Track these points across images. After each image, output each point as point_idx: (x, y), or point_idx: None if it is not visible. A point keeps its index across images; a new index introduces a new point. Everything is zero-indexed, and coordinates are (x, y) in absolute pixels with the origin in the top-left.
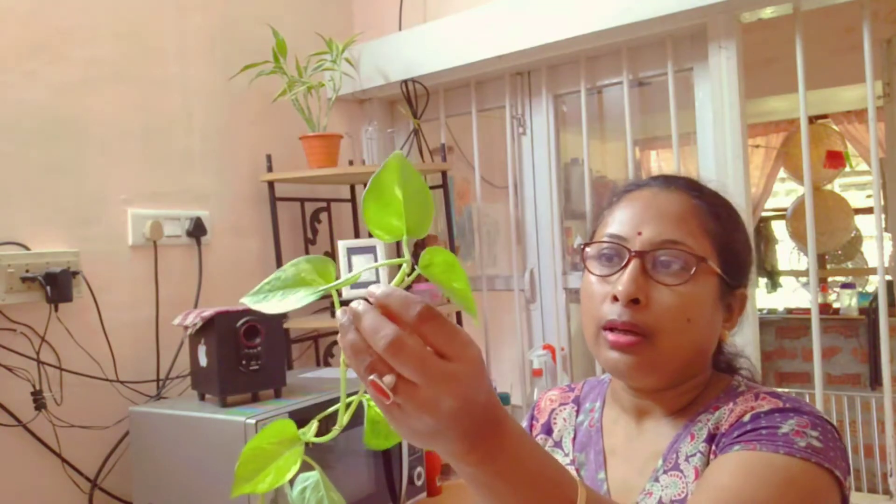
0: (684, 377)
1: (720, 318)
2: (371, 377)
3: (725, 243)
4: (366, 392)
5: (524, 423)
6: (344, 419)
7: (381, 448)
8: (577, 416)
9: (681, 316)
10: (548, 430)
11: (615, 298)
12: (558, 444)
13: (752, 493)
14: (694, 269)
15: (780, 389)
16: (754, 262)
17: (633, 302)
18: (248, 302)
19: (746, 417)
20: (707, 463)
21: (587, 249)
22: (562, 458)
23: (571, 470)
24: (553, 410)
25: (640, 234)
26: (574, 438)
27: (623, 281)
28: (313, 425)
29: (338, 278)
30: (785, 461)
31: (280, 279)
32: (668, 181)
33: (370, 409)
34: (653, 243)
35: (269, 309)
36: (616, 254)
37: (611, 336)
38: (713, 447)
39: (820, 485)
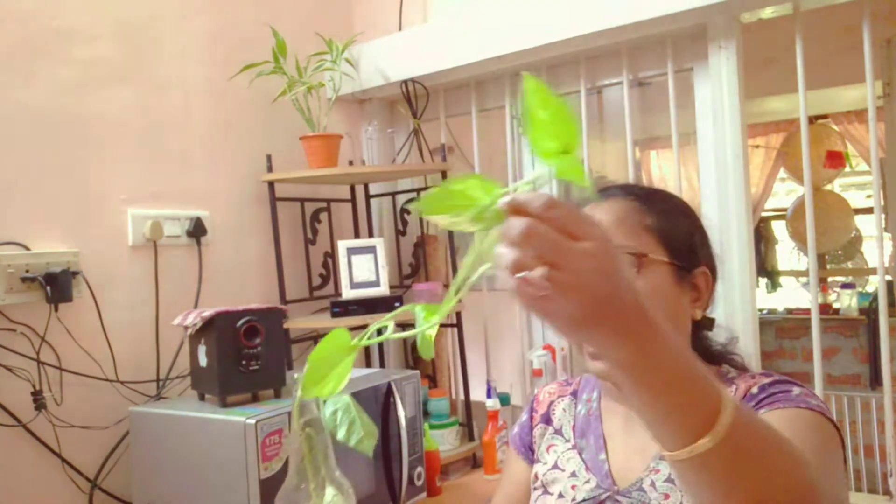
0: None
1: (686, 301)
2: (520, 275)
3: (666, 232)
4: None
5: (524, 416)
6: (452, 302)
7: (427, 357)
8: (575, 406)
9: None
10: (547, 420)
11: None
12: (559, 432)
13: (793, 436)
14: (637, 266)
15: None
16: (709, 240)
17: None
18: (423, 208)
19: (755, 390)
20: None
21: None
22: (563, 444)
23: (574, 455)
24: (552, 402)
25: None
26: (574, 426)
27: None
28: (367, 333)
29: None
30: (807, 413)
31: (448, 191)
32: (604, 193)
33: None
34: None
35: (441, 223)
36: None
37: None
38: None
39: (835, 435)
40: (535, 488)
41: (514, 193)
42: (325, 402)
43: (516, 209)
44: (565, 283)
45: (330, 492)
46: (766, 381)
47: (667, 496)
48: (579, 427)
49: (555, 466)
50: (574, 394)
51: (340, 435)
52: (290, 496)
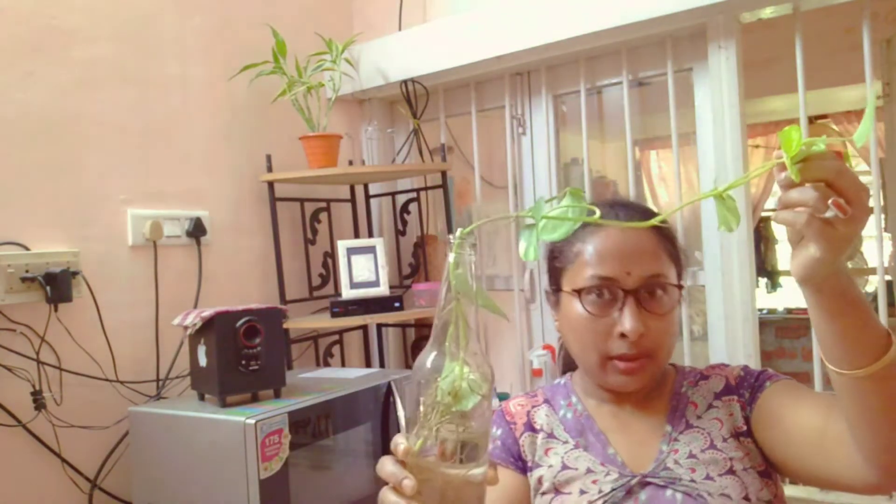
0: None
1: None
2: (830, 200)
3: (679, 261)
4: None
5: (498, 430)
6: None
7: (731, 228)
8: (556, 412)
9: (670, 334)
10: (531, 429)
11: (622, 335)
12: (552, 436)
13: (807, 392)
14: (677, 294)
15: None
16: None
17: (640, 336)
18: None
19: (740, 373)
20: (736, 408)
21: (582, 293)
22: (563, 446)
23: (581, 454)
24: (528, 412)
25: (628, 273)
26: (565, 429)
27: (628, 320)
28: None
29: None
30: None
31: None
32: (628, 213)
33: (716, 200)
34: (641, 279)
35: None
36: (610, 293)
37: (622, 365)
38: (736, 397)
39: None
40: (541, 493)
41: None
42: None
43: (821, 157)
44: (857, 217)
45: (468, 368)
46: (739, 366)
47: (693, 469)
48: (573, 428)
49: (564, 467)
50: (546, 402)
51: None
52: (425, 369)
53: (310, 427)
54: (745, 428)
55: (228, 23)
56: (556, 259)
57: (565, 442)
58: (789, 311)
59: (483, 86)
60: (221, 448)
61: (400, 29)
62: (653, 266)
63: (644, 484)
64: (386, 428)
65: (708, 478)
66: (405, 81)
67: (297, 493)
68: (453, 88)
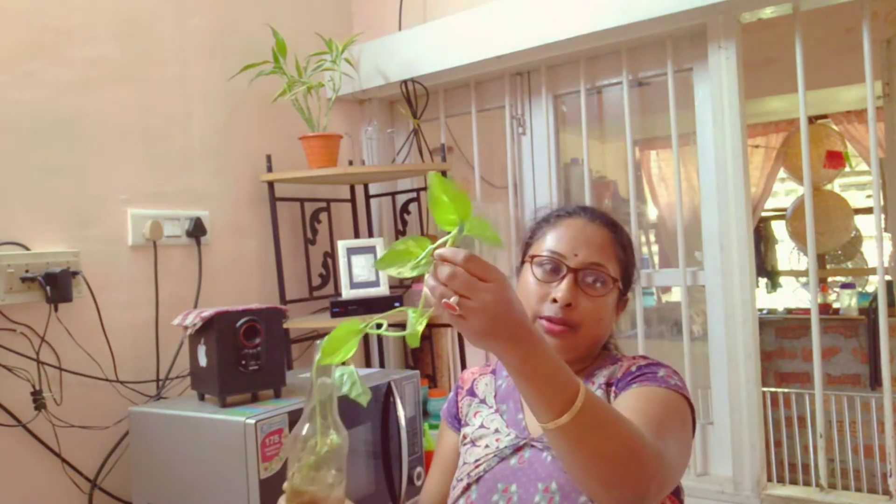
0: (589, 354)
1: (613, 314)
2: (444, 300)
3: (626, 267)
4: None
5: (451, 394)
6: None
7: (414, 345)
8: (496, 381)
9: (596, 316)
10: (472, 394)
11: (554, 300)
12: (483, 402)
13: (652, 411)
14: (611, 286)
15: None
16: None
17: (567, 305)
18: (378, 266)
19: (633, 368)
20: (607, 398)
21: (534, 259)
22: (487, 410)
23: (497, 417)
24: (474, 380)
25: (576, 255)
26: (495, 396)
27: (562, 289)
28: (370, 323)
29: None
30: (666, 392)
31: (395, 251)
32: (594, 215)
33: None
34: (584, 263)
35: (392, 272)
36: (556, 266)
37: (546, 324)
38: (613, 388)
39: (685, 406)
40: (463, 444)
41: (443, 248)
42: (336, 368)
43: (445, 259)
44: (471, 308)
45: (333, 433)
46: (643, 362)
47: None
48: (501, 396)
49: (481, 426)
50: (493, 371)
51: (344, 390)
52: (300, 437)
53: None
54: None
55: (228, 23)
56: (529, 238)
57: (490, 407)
58: (789, 311)
59: (483, 86)
60: (221, 448)
61: (400, 29)
62: (597, 256)
63: (531, 446)
64: (386, 428)
65: None
66: (405, 81)
67: None
68: (453, 88)
